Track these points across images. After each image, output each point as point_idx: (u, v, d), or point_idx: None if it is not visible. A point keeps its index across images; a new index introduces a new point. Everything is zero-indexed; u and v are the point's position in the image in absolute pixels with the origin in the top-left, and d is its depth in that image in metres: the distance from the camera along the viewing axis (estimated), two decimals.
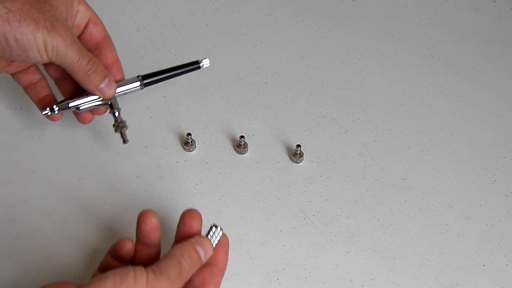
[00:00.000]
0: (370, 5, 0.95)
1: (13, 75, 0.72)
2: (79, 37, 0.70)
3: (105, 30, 0.71)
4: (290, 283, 0.70)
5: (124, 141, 0.70)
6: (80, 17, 0.69)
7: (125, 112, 0.80)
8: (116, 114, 0.71)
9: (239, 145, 0.78)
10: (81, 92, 0.70)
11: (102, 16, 0.78)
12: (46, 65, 0.71)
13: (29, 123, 0.80)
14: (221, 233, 0.63)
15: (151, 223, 0.62)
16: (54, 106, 0.69)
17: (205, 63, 0.72)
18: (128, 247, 0.63)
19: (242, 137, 0.78)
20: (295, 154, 0.78)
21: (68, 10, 0.67)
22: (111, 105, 0.70)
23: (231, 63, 0.87)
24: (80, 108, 0.70)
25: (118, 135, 0.71)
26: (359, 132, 0.81)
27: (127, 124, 0.71)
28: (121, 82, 0.71)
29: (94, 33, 0.70)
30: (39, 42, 0.64)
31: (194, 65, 0.72)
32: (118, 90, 0.70)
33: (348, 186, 0.77)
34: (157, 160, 0.78)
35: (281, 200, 0.75)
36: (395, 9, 0.95)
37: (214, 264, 0.63)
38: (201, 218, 0.63)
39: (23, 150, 0.78)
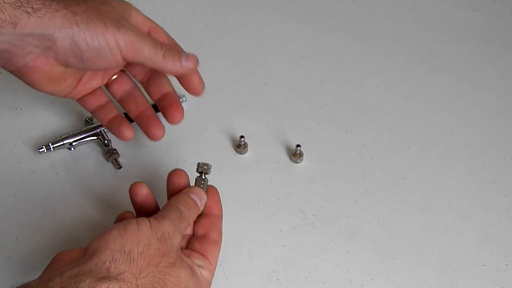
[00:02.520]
0: (370, 5, 0.95)
1: (80, 100, 0.73)
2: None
3: (169, 36, 0.71)
4: (290, 283, 0.70)
5: (118, 167, 0.76)
6: (139, 26, 0.69)
7: None
8: (106, 145, 0.77)
9: (239, 145, 0.78)
10: (153, 109, 0.74)
11: None
12: (109, 85, 0.73)
13: (29, 123, 0.80)
14: (208, 182, 0.67)
15: (142, 193, 0.65)
16: (50, 144, 0.76)
17: (183, 99, 0.80)
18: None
19: (242, 137, 0.78)
20: (295, 154, 0.78)
21: (127, 16, 0.67)
22: (100, 138, 0.77)
23: (231, 63, 0.87)
24: (73, 144, 0.77)
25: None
26: (359, 132, 0.81)
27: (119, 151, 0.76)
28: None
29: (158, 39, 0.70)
30: (111, 40, 0.64)
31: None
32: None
33: (348, 186, 0.77)
34: (158, 160, 0.78)
35: (281, 200, 0.75)
36: (395, 9, 0.95)
37: (210, 214, 0.66)
38: (187, 175, 0.67)
39: (23, 150, 0.78)
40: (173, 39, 0.72)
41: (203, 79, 0.72)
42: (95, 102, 0.73)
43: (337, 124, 0.82)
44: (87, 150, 0.78)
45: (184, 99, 0.81)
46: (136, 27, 0.67)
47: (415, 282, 0.70)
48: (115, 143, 0.78)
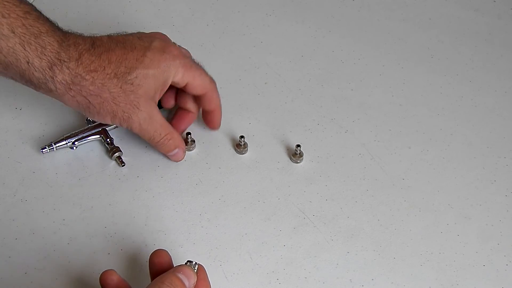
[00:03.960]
0: (370, 5, 0.95)
1: None
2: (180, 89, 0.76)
3: (203, 88, 0.75)
4: (290, 283, 0.70)
5: (122, 165, 0.77)
6: (177, 83, 0.74)
7: None
8: (110, 142, 0.77)
9: (239, 145, 0.78)
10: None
11: (102, 16, 0.78)
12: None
13: (29, 123, 0.80)
14: (197, 266, 0.62)
15: (113, 281, 0.63)
16: (53, 144, 0.76)
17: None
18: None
19: (242, 137, 0.78)
20: (295, 154, 0.78)
21: (155, 89, 0.73)
22: (103, 137, 0.78)
23: (231, 63, 0.87)
24: (75, 143, 0.77)
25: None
26: (359, 132, 0.81)
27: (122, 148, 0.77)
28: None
29: (193, 91, 0.75)
30: (115, 123, 0.73)
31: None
32: (109, 128, 0.78)
33: (348, 186, 0.77)
34: (157, 160, 0.78)
35: (281, 200, 0.75)
36: (395, 9, 0.95)
37: None
38: (169, 255, 0.64)
39: (23, 150, 0.78)
40: (210, 87, 0.76)
41: None
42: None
43: (337, 124, 0.82)
44: (87, 150, 0.78)
45: None
46: (151, 111, 0.72)
47: (415, 282, 0.70)
48: (116, 142, 0.78)
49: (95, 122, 0.78)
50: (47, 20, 0.69)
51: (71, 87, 0.69)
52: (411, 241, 0.73)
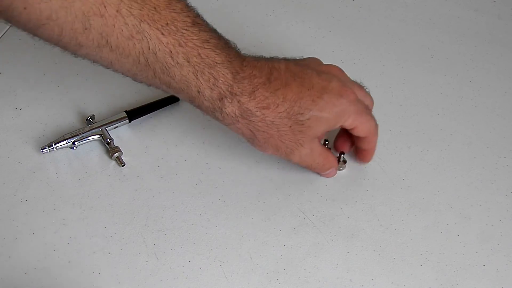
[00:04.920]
0: (370, 5, 0.95)
1: None
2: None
3: (368, 132, 0.74)
4: (290, 283, 0.70)
5: (122, 165, 0.77)
6: (344, 125, 0.73)
7: None
8: (109, 143, 0.77)
9: None
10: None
11: None
12: None
13: (29, 123, 0.80)
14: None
15: None
16: (53, 144, 0.76)
17: None
18: None
19: None
20: (339, 161, 0.77)
21: (323, 131, 0.72)
22: (103, 137, 0.78)
23: None
24: (76, 144, 0.77)
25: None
26: None
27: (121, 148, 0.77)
28: (110, 119, 0.79)
29: (356, 133, 0.74)
30: (276, 155, 0.73)
31: (174, 101, 0.81)
32: (109, 128, 0.78)
33: (348, 186, 0.77)
34: (157, 160, 0.78)
35: (281, 200, 0.75)
36: (395, 9, 0.95)
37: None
38: None
39: (23, 150, 0.78)
40: (371, 131, 0.75)
41: None
42: None
43: None
44: (87, 150, 0.78)
45: None
46: (314, 149, 0.72)
47: (415, 282, 0.70)
48: (116, 142, 0.78)
49: (95, 122, 0.78)
50: (225, 48, 0.68)
51: (239, 120, 0.69)
52: (411, 241, 0.73)
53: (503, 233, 0.74)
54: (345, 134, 0.77)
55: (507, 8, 0.95)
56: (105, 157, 0.78)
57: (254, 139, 0.71)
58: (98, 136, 0.78)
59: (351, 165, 0.78)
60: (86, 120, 0.79)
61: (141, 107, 0.81)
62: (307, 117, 0.69)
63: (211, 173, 0.77)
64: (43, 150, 0.77)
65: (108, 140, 0.78)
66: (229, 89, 0.67)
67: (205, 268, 0.69)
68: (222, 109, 0.68)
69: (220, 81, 0.67)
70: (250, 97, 0.68)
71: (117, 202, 0.74)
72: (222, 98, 0.67)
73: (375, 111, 0.75)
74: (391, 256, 0.72)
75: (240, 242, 0.72)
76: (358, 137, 0.75)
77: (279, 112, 0.69)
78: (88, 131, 0.78)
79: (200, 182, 0.76)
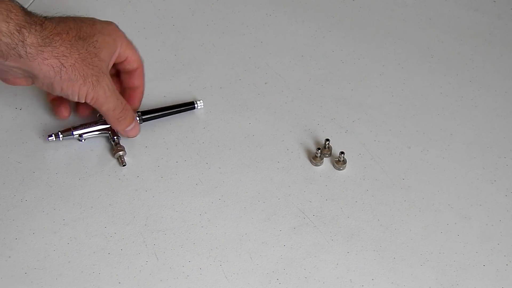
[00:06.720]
0: (370, 5, 0.95)
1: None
2: (118, 64, 0.78)
3: (139, 62, 0.78)
4: (290, 283, 0.70)
5: (123, 165, 0.77)
6: (119, 55, 0.77)
7: None
8: (116, 140, 0.78)
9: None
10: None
11: (103, 16, 0.78)
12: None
13: (29, 123, 0.80)
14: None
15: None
16: (59, 133, 0.77)
17: (200, 104, 0.82)
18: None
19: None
20: (338, 161, 0.77)
21: (110, 55, 0.75)
22: (111, 133, 0.78)
23: (231, 63, 0.87)
24: (84, 136, 0.78)
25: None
26: (359, 132, 0.81)
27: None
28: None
29: (128, 66, 0.78)
30: (82, 93, 0.72)
31: (189, 106, 0.82)
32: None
33: (348, 186, 0.77)
34: (157, 160, 0.78)
35: (281, 200, 0.75)
36: (395, 9, 0.95)
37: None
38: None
39: (23, 150, 0.78)
40: (141, 64, 0.79)
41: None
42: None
43: (337, 124, 0.82)
44: (87, 149, 0.78)
45: (200, 103, 0.82)
46: (111, 83, 0.74)
47: (415, 282, 0.70)
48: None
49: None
50: None
51: (43, 50, 0.69)
52: (411, 241, 0.73)
53: (503, 233, 0.74)
54: (129, 90, 0.79)
55: (507, 8, 0.95)
56: (105, 157, 0.78)
57: (62, 68, 0.70)
58: (107, 132, 0.78)
59: (351, 165, 0.78)
60: (98, 115, 0.79)
61: (156, 109, 0.81)
62: (95, 39, 0.73)
63: (211, 173, 0.77)
64: (49, 138, 0.77)
65: (115, 137, 0.78)
66: (24, 19, 0.68)
67: (205, 268, 0.69)
68: (23, 42, 0.68)
69: (13, 12, 0.67)
70: (42, 26, 0.69)
71: (117, 202, 0.74)
72: (21, 29, 0.67)
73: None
74: (391, 256, 0.72)
75: (240, 242, 0.72)
76: (128, 74, 0.78)
77: (72, 36, 0.71)
78: (99, 125, 0.78)
79: (200, 182, 0.76)
